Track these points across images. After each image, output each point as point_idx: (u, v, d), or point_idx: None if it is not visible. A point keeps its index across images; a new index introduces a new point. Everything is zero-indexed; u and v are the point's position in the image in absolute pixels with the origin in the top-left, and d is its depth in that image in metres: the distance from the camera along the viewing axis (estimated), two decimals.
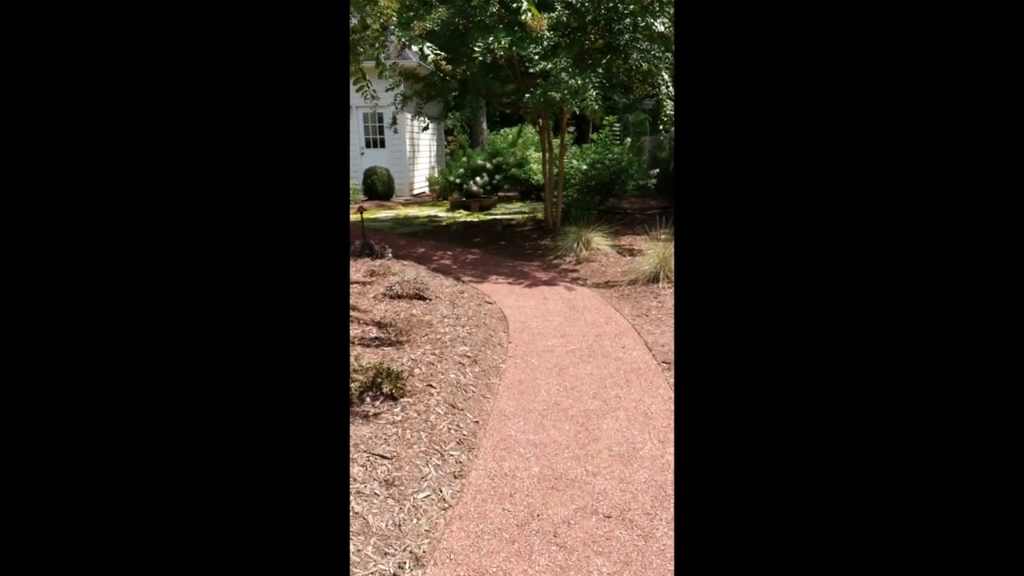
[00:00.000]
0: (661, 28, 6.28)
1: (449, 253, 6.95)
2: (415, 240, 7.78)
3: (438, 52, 5.72)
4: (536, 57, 6.03)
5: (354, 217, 7.25)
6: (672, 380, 3.15)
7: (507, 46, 5.81)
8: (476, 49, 5.90)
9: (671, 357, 3.39)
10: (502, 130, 14.18)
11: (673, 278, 4.87)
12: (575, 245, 6.43)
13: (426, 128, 8.72)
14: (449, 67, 7.24)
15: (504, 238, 7.79)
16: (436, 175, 13.04)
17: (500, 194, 12.67)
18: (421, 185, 14.23)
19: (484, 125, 16.72)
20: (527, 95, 6.10)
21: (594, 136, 10.39)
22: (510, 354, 3.62)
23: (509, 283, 5.51)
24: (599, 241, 6.57)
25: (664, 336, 3.83)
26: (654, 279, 4.93)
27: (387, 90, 7.93)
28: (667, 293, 4.73)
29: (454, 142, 15.71)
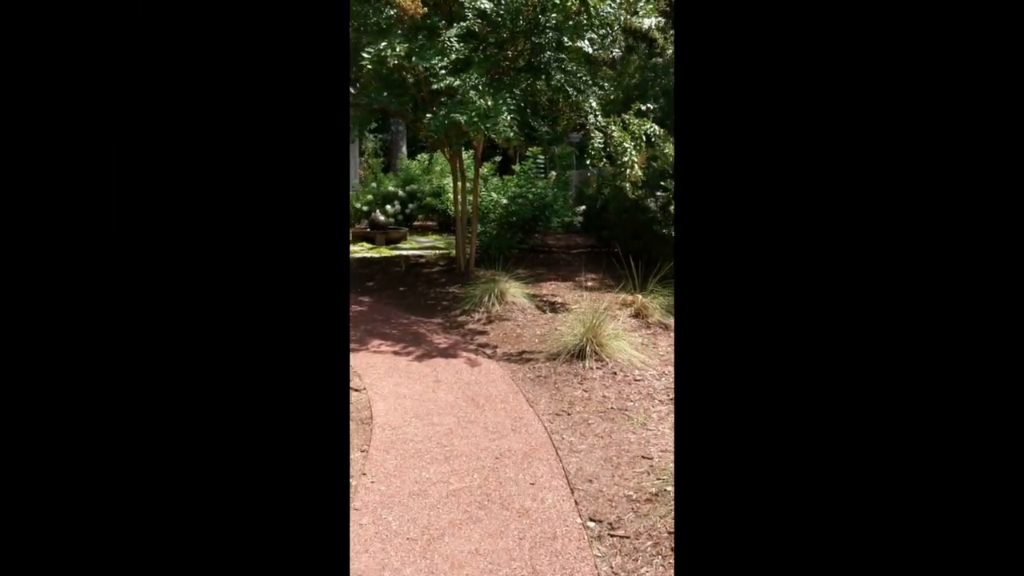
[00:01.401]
0: (588, 49, 5.35)
1: None
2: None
3: None
4: (441, 71, 4.93)
5: None
6: (609, 556, 2.02)
7: (403, 54, 4.67)
8: (365, 56, 4.73)
9: (605, 510, 2.28)
10: (420, 155, 13.01)
11: (601, 354, 3.80)
12: (487, 298, 5.29)
13: None
14: None
15: (405, 282, 6.56)
16: None
17: (417, 223, 11.45)
18: None
19: (404, 149, 15.53)
20: (428, 115, 4.97)
21: (516, 167, 9.41)
22: (356, 504, 2.36)
23: (395, 351, 4.28)
24: (516, 292, 5.47)
25: (593, 457, 2.72)
26: (579, 354, 3.85)
27: None
28: (595, 376, 3.65)
29: (376, 165, 14.41)
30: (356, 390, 3.49)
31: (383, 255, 8.25)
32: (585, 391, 3.47)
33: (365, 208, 11.00)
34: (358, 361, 4.01)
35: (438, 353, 4.27)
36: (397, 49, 4.63)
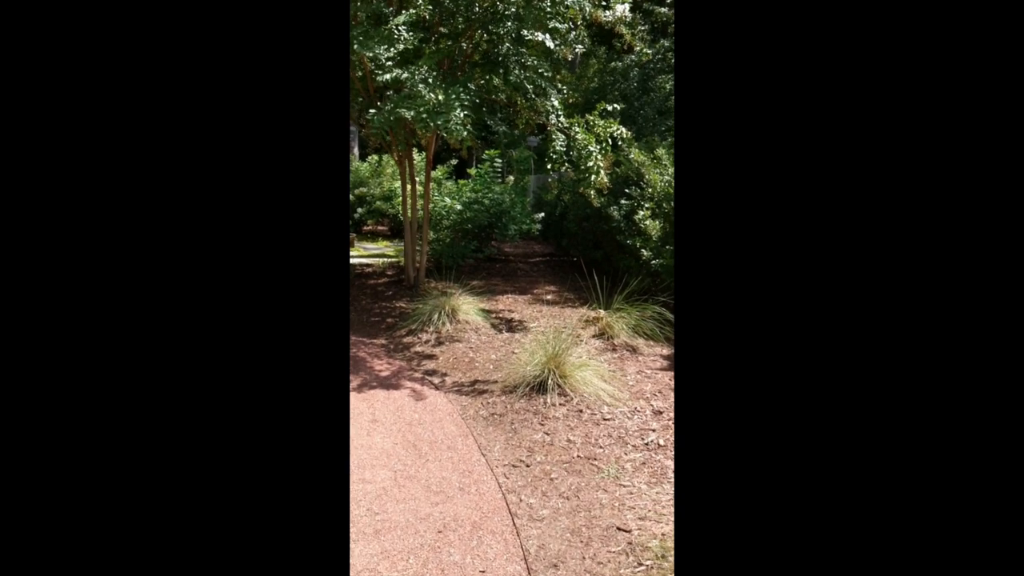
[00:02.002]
0: (550, 43, 4.90)
1: None
2: None
3: None
4: (388, 62, 4.39)
5: None
6: None
7: None
8: None
9: None
10: (371, 157, 12.35)
11: (564, 387, 3.33)
12: (437, 316, 4.76)
13: None
14: None
15: (349, 294, 5.96)
16: None
17: (367, 228, 10.80)
18: None
19: (356, 151, 14.79)
20: (372, 111, 4.41)
21: (472, 171, 8.90)
22: None
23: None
24: (469, 309, 4.95)
25: (557, 528, 2.22)
26: (540, 387, 3.37)
27: None
28: (558, 415, 3.17)
29: None
30: None
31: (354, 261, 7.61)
32: (547, 434, 2.98)
33: None
34: None
35: (378, 383, 3.71)
36: None
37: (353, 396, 3.48)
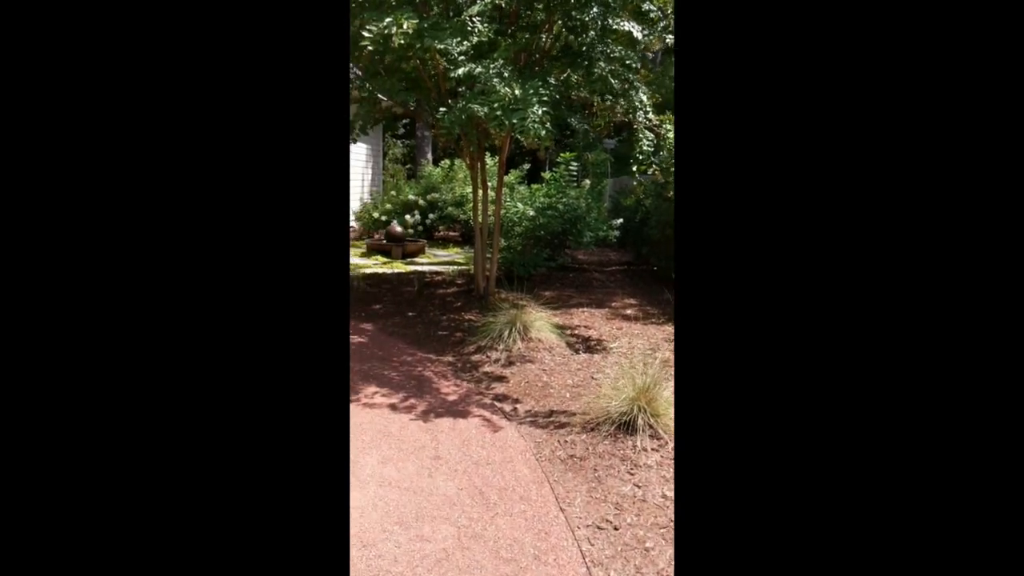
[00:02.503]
0: (637, 33, 4.40)
1: None
2: None
3: None
4: (460, 57, 4.05)
5: None
6: None
7: (411, 33, 3.79)
8: (365, 36, 3.87)
9: None
10: (443, 161, 12.20)
11: (657, 428, 2.84)
12: (508, 333, 4.37)
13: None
14: None
15: (417, 305, 5.68)
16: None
17: (438, 234, 10.62)
18: None
19: (429, 155, 14.74)
20: (442, 108, 4.08)
21: (546, 175, 8.49)
22: None
23: (392, 404, 3.37)
24: (542, 325, 4.53)
25: None
26: (628, 427, 2.89)
27: None
28: (651, 463, 2.68)
29: (399, 172, 13.66)
30: None
31: (397, 271, 7.39)
32: (638, 486, 2.51)
33: (384, 218, 10.21)
34: None
35: (444, 409, 3.35)
36: (404, 26, 3.75)
37: (416, 423, 3.13)
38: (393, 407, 3.35)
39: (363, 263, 7.88)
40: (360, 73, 4.95)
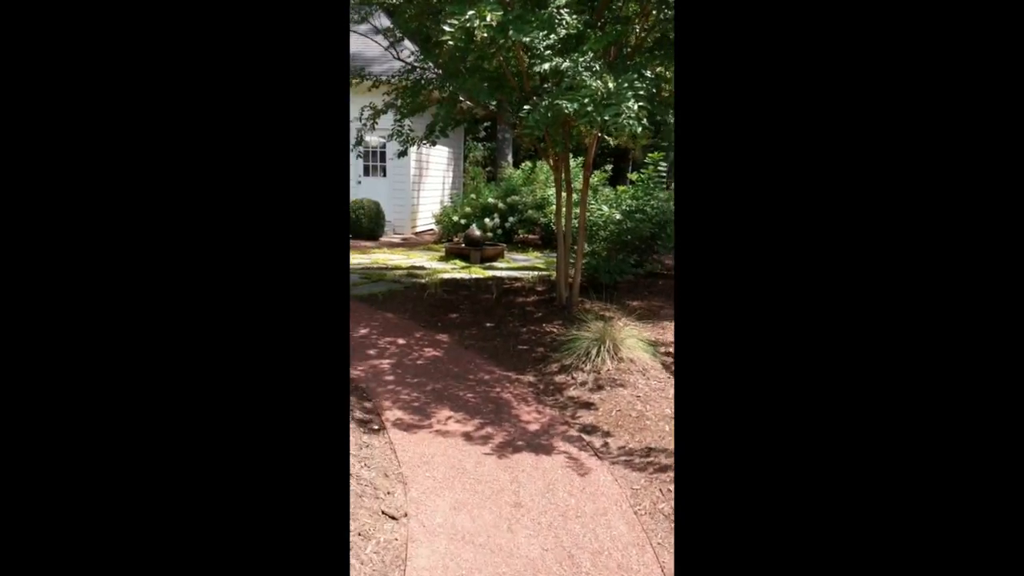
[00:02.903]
0: None
1: (400, 342, 4.54)
2: (368, 309, 5.41)
3: (396, 33, 3.41)
4: (547, 51, 3.69)
5: None
6: None
7: (494, 25, 3.47)
8: (447, 30, 3.58)
9: None
10: (524, 163, 11.90)
11: None
12: (596, 350, 3.96)
13: (417, 142, 6.10)
14: (421, 63, 4.90)
15: (494, 315, 5.37)
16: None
17: (518, 238, 10.34)
18: (427, 222, 12.00)
19: (509, 157, 14.51)
20: (526, 107, 3.73)
21: (632, 176, 7.98)
22: None
23: (466, 433, 3.06)
24: (633, 343, 4.09)
25: None
26: None
27: (383, 111, 5.68)
28: None
29: (479, 175, 13.53)
30: (392, 517, 2.29)
31: (475, 276, 7.14)
32: None
33: (463, 221, 10.04)
34: (414, 449, 2.82)
35: (525, 441, 2.99)
36: (488, 19, 3.43)
37: (493, 459, 2.79)
38: (468, 436, 3.03)
39: (440, 267, 7.69)
40: (440, 72, 4.70)
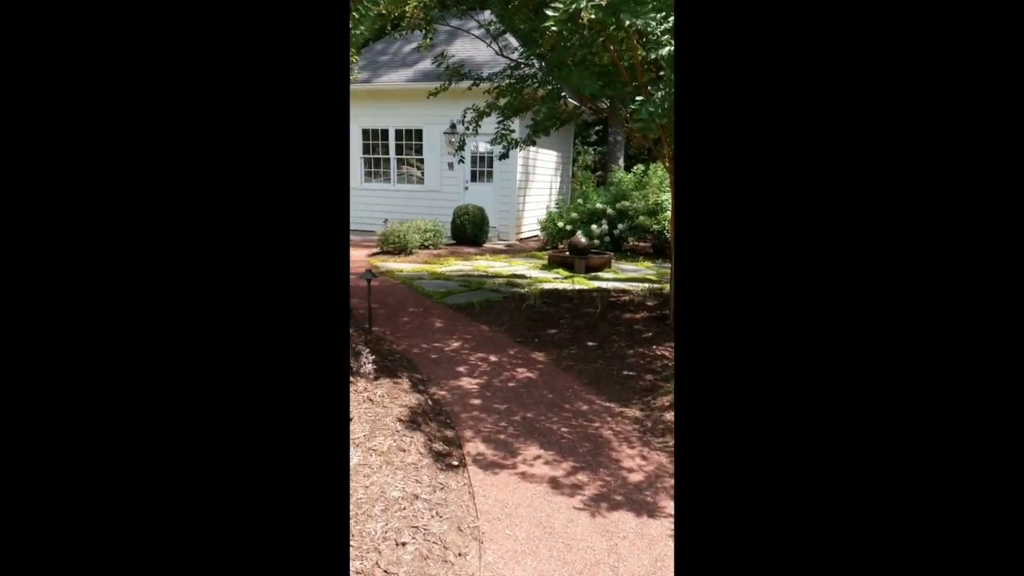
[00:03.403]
0: None
1: (492, 359, 4.18)
2: (463, 320, 5.13)
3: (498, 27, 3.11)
4: (661, 35, 3.18)
5: (376, 260, 4.77)
6: None
7: (603, 6, 3.01)
8: (550, 15, 3.17)
9: None
10: (636, 167, 11.26)
11: None
12: None
13: (519, 144, 5.75)
14: (523, 56, 4.54)
15: (598, 332, 4.87)
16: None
17: (627, 246, 9.74)
18: (532, 228, 11.71)
19: (621, 161, 13.90)
20: (638, 98, 3.23)
21: None
22: None
23: (555, 479, 2.61)
24: None
25: None
26: None
27: (486, 112, 5.43)
28: None
29: (588, 179, 13.07)
30: None
31: (578, 287, 6.67)
32: None
33: (569, 227, 9.60)
34: (495, 495, 2.42)
35: (626, 495, 2.49)
36: None
37: (588, 520, 2.32)
38: (557, 484, 2.58)
39: (541, 276, 7.30)
40: (543, 65, 4.31)
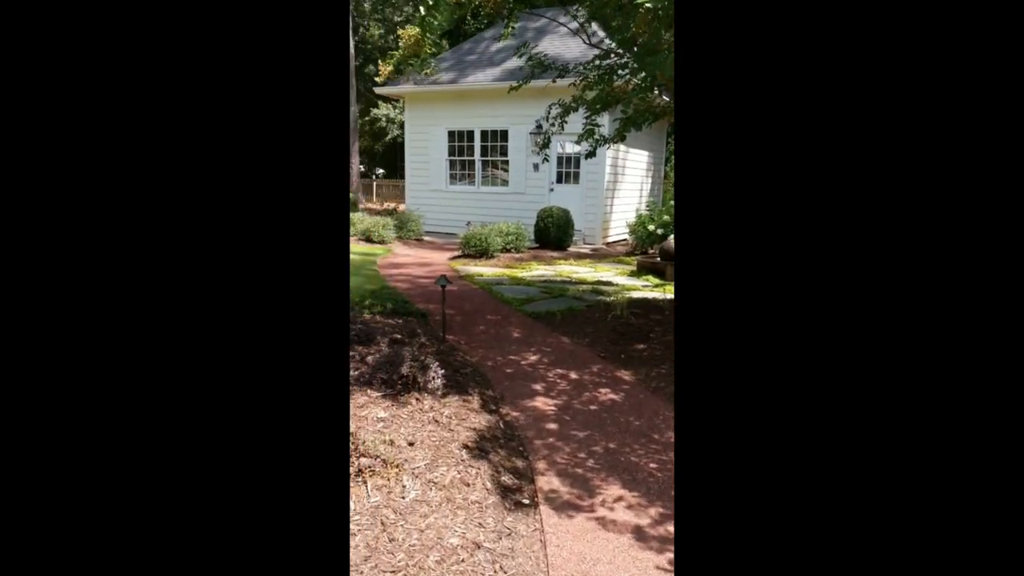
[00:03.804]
0: None
1: (573, 376, 3.82)
2: (542, 330, 4.81)
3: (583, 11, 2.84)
4: None
5: (456, 264, 4.57)
6: None
7: None
8: None
9: None
10: None
11: None
12: None
13: (607, 141, 5.37)
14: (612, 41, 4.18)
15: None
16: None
17: None
18: (619, 231, 11.23)
19: None
20: None
21: None
22: None
23: (639, 530, 2.22)
24: None
25: None
26: None
27: (572, 107, 5.13)
28: None
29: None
30: None
31: (670, 296, 6.16)
32: None
33: (660, 232, 9.05)
34: (569, 546, 2.06)
35: None
36: None
37: None
38: (641, 534, 2.19)
39: (629, 284, 6.84)
40: (633, 53, 3.90)
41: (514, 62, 10.18)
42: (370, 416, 2.80)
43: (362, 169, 22.13)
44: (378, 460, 2.32)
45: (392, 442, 2.55)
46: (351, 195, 12.17)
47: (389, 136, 21.67)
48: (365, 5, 22.18)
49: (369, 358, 3.52)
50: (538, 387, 3.64)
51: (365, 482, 2.21)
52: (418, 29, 3.79)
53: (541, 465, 2.70)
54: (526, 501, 2.39)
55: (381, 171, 26.32)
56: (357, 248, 9.23)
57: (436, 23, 3.40)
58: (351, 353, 3.71)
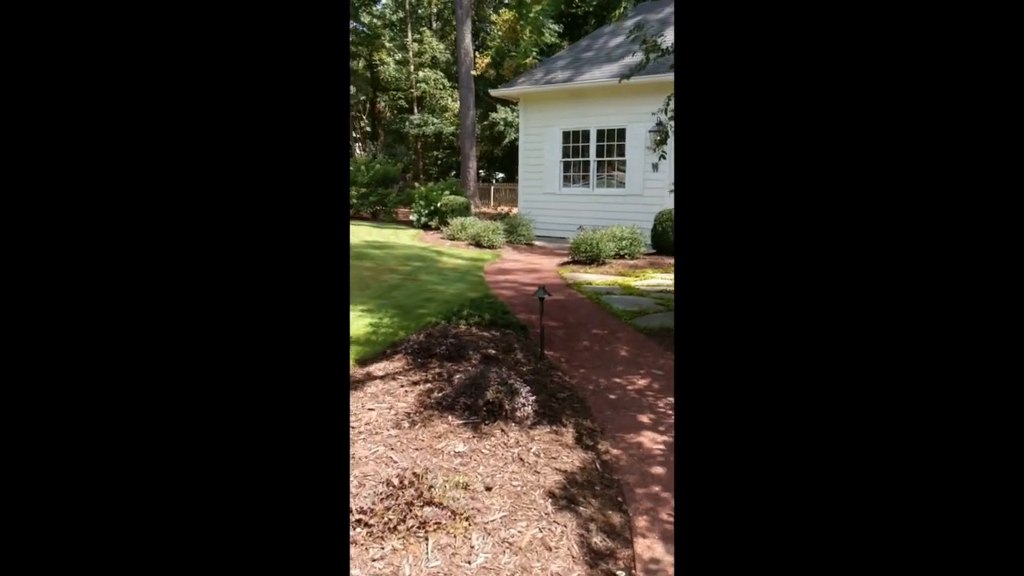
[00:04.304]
0: None
1: None
2: (655, 348, 4.27)
3: None
4: None
5: (565, 271, 4.18)
6: None
7: None
8: None
9: None
10: None
11: None
12: None
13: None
14: None
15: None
16: None
17: None
18: None
19: None
20: None
21: None
22: None
23: None
24: None
25: None
26: None
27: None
28: None
29: None
30: None
31: None
32: None
33: None
34: None
35: None
36: None
37: None
38: None
39: None
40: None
41: (632, 57, 9.60)
42: (446, 450, 2.48)
43: (481, 173, 22.41)
44: (446, 512, 1.98)
45: (466, 486, 2.21)
46: (464, 199, 12.19)
47: (507, 140, 21.81)
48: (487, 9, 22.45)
49: (456, 377, 3.23)
50: (645, 419, 3.15)
51: (427, 538, 1.88)
52: (513, 12, 3.48)
53: (642, 523, 2.23)
54: (620, 573, 1.94)
55: (501, 175, 26.58)
56: (465, 253, 9.13)
57: (540, 8, 3.03)
58: (438, 371, 3.45)
